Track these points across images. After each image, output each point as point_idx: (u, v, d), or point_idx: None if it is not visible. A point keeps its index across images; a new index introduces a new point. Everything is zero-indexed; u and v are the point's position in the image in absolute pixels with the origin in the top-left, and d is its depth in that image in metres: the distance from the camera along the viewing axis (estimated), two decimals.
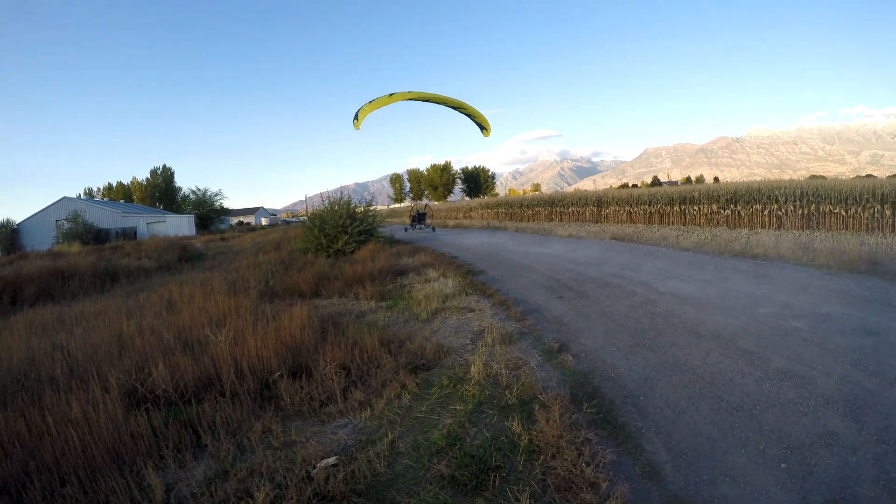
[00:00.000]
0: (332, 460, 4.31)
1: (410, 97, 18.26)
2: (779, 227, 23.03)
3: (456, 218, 54.14)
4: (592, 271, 13.03)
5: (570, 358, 6.71)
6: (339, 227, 20.93)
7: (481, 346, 7.24)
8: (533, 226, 32.81)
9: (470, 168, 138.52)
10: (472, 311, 9.50)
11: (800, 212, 22.64)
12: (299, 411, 5.47)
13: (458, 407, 5.26)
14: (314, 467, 4.23)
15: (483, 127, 20.16)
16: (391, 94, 17.58)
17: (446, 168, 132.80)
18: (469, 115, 19.87)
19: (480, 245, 22.79)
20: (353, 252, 19.66)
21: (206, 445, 4.78)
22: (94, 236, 52.60)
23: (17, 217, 59.32)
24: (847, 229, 21.04)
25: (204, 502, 3.95)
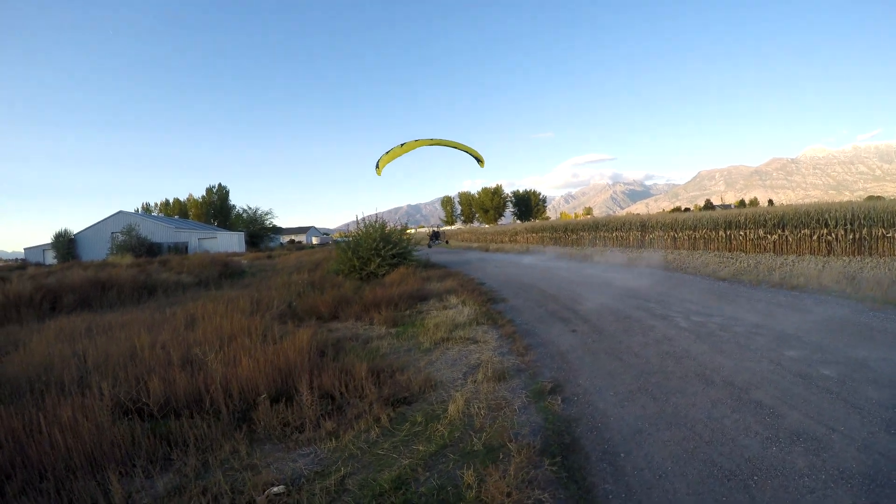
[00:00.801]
0: (279, 489, 4.30)
1: (418, 145, 19.17)
2: (828, 253, 21.56)
3: (501, 241, 53.97)
4: (615, 303, 12.19)
5: (560, 401, 6.07)
6: (371, 250, 20.89)
7: (471, 381, 6.87)
8: (574, 251, 32.03)
9: (521, 191, 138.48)
10: (476, 342, 9.12)
11: (850, 236, 21.14)
12: (271, 435, 5.42)
13: (421, 447, 4.94)
14: (263, 493, 4.24)
15: (478, 160, 21.10)
16: (402, 145, 18.78)
17: (497, 191, 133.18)
18: (465, 151, 20.92)
19: (512, 271, 22.11)
20: (384, 275, 19.49)
21: (173, 460, 4.91)
22: (147, 249, 54.89)
23: (76, 228, 61.86)
24: None
25: None
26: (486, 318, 10.98)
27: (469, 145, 20.52)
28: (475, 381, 6.83)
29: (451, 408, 5.74)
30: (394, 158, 19.03)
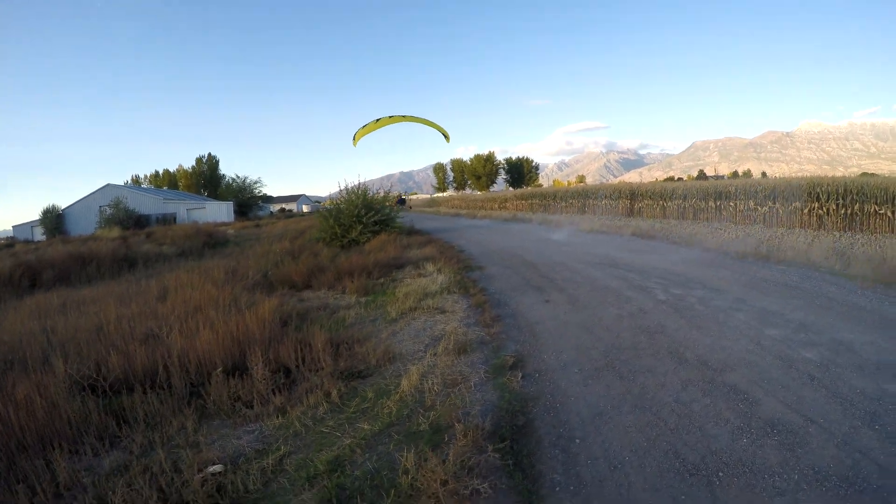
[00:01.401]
0: (217, 468, 4.19)
1: (391, 122, 20.41)
2: (819, 228, 21.04)
3: (491, 209, 53.55)
4: (596, 271, 11.75)
5: (520, 378, 5.67)
6: (353, 217, 20.70)
7: (430, 354, 6.56)
8: (560, 218, 31.36)
9: (514, 159, 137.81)
10: (444, 312, 8.80)
11: (842, 211, 20.69)
12: (221, 411, 5.27)
13: (366, 426, 4.73)
14: (200, 472, 4.11)
15: (445, 136, 22.04)
16: (377, 120, 20.13)
17: (489, 158, 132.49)
18: (433, 128, 21.88)
19: (495, 238, 21.71)
20: (366, 242, 19.23)
21: (118, 438, 4.85)
22: (136, 222, 54.83)
23: (65, 203, 61.53)
24: (893, 231, 19.17)
25: (93, 493, 3.92)
26: (459, 287, 10.64)
27: (438, 122, 21.58)
28: (435, 354, 6.51)
29: (404, 383, 5.50)
30: (369, 132, 20.33)
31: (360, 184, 22.78)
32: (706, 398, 4.92)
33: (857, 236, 17.79)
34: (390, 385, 5.67)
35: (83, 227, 58.36)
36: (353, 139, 20.60)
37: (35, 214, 62.65)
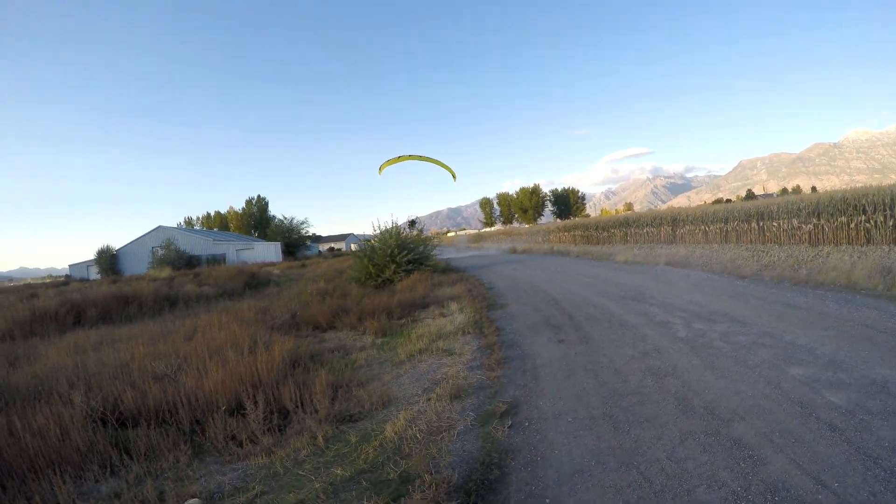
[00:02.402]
0: (195, 501, 4.38)
1: (408, 159, 22.02)
2: (867, 242, 19.98)
3: (534, 242, 53.19)
4: (617, 307, 11.18)
5: (507, 426, 5.35)
6: (387, 257, 20.84)
7: (424, 399, 6.43)
8: (599, 250, 30.66)
9: (559, 190, 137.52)
10: (451, 354, 8.61)
11: (891, 222, 19.53)
12: (214, 448, 5.51)
13: (339, 471, 4.69)
14: None
15: (452, 175, 23.51)
16: (399, 157, 21.73)
17: (535, 191, 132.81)
18: (441, 167, 23.03)
19: (527, 274, 21.16)
20: (400, 281, 19.32)
21: (118, 467, 5.14)
22: (186, 262, 56.30)
23: (120, 243, 64.03)
24: None
25: None
26: (475, 327, 10.44)
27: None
28: (429, 399, 6.36)
29: (389, 429, 5.44)
30: (389, 165, 21.93)
31: (394, 223, 22.94)
32: (704, 455, 4.33)
33: None
34: (377, 430, 5.57)
35: (136, 267, 61.18)
36: (379, 169, 22.12)
37: (91, 254, 65.33)
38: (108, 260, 63.77)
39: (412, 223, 24.21)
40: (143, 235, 65.66)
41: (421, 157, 22.32)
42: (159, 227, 66.43)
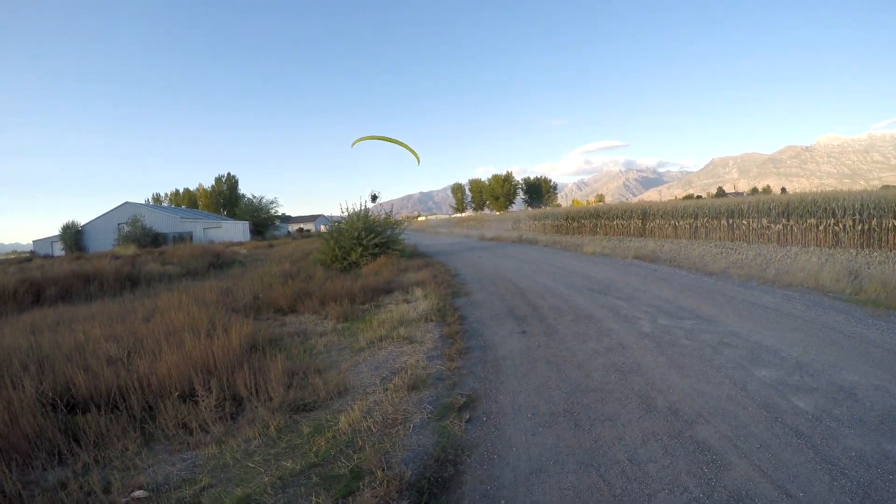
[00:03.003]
0: (141, 493, 4.28)
1: (378, 139, 23.11)
2: (835, 245, 20.33)
3: (505, 229, 53.38)
4: (583, 300, 11.04)
5: (464, 421, 5.19)
6: (353, 240, 20.60)
7: (381, 389, 6.26)
8: (568, 240, 30.50)
9: (532, 179, 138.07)
10: (412, 342, 8.45)
11: (859, 227, 19.85)
12: (165, 435, 5.36)
13: (289, 464, 4.53)
14: (127, 495, 4.25)
15: (416, 158, 23.90)
16: (371, 136, 22.90)
17: (507, 178, 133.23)
18: (407, 149, 23.55)
19: (493, 262, 21.06)
20: (366, 265, 19.15)
21: (66, 455, 5.00)
22: (152, 240, 55.46)
23: (84, 219, 62.67)
24: None
25: None
26: (438, 315, 10.28)
27: (407, 144, 23.67)
28: (386, 389, 6.17)
29: (343, 420, 5.25)
30: (361, 141, 22.81)
31: (363, 205, 22.72)
32: (667, 458, 4.16)
33: (875, 253, 17.00)
34: (331, 421, 5.41)
35: (102, 243, 59.84)
36: (352, 143, 23.12)
37: (56, 230, 63.90)
38: (73, 236, 62.32)
39: (374, 198, 24.14)
40: (110, 211, 64.14)
41: (390, 139, 22.61)
42: (126, 203, 65.12)
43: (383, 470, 4.17)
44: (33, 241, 67.78)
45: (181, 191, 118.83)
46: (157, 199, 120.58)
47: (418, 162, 23.67)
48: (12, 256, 66.04)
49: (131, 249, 41.69)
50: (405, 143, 22.84)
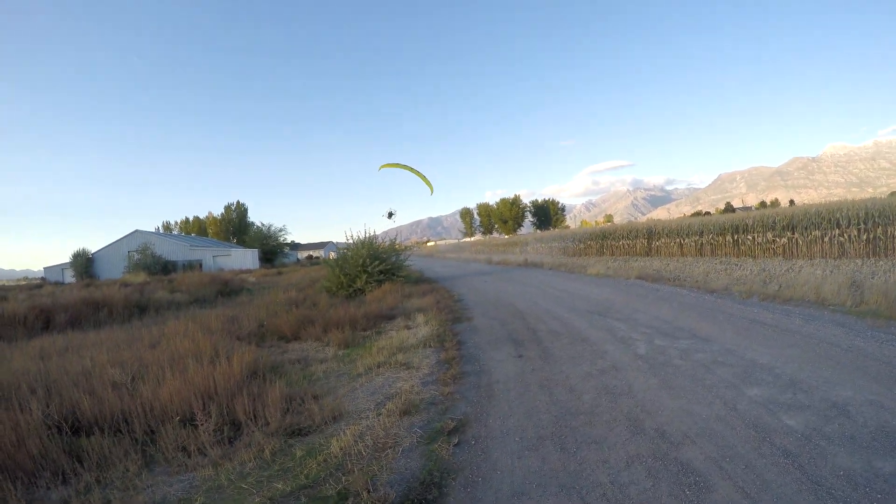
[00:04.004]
0: None
1: (398, 167, 23.29)
2: (840, 256, 20.19)
3: (513, 252, 53.38)
4: (582, 322, 11.08)
5: (453, 445, 5.21)
6: (358, 267, 20.79)
7: (375, 414, 6.27)
8: (574, 262, 30.47)
9: (540, 201, 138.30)
10: (409, 368, 8.45)
11: (864, 236, 19.73)
12: (165, 458, 5.44)
13: (281, 486, 4.60)
14: None
15: (430, 188, 23.91)
16: (397, 164, 23.10)
17: (515, 202, 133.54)
18: (424, 181, 23.46)
19: (496, 287, 21.05)
20: (371, 291, 19.26)
21: (69, 475, 5.08)
22: (162, 268, 55.68)
23: (95, 247, 63.12)
24: None
25: None
26: (437, 340, 10.29)
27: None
28: (380, 415, 6.19)
29: (335, 444, 5.29)
30: (387, 167, 23.14)
31: (367, 233, 22.97)
32: (649, 480, 4.13)
33: (881, 262, 16.86)
34: (324, 445, 5.42)
35: (112, 271, 60.24)
36: (379, 168, 23.26)
37: (67, 257, 64.47)
38: (84, 263, 62.84)
39: (390, 215, 24.40)
40: (120, 239, 64.68)
41: (411, 169, 22.98)
42: (136, 230, 65.62)
43: (369, 492, 4.22)
44: (44, 268, 68.38)
45: (191, 219, 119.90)
46: (167, 227, 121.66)
47: (431, 192, 23.81)
48: (23, 283, 66.66)
49: (141, 277, 41.87)
50: (422, 173, 23.20)
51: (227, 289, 27.63)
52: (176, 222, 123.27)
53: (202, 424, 5.86)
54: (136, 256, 57.80)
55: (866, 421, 4.89)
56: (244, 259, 68.23)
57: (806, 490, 3.81)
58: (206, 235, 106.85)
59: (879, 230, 19.32)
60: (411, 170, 22.84)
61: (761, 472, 4.13)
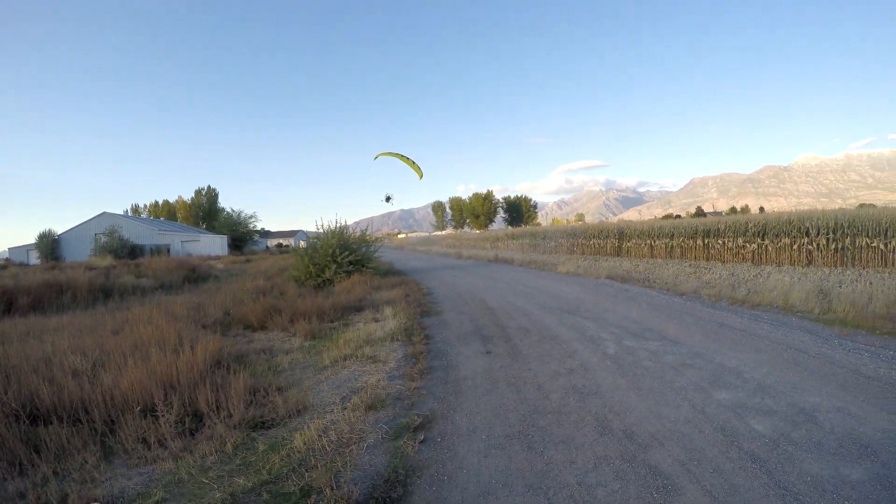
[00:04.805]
0: None
1: (401, 158, 23.60)
2: (808, 264, 20.61)
3: (483, 248, 53.40)
4: (551, 320, 11.09)
5: (418, 441, 5.12)
6: (328, 257, 20.58)
7: (340, 408, 6.15)
8: (544, 259, 30.60)
9: (512, 197, 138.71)
10: (376, 361, 8.32)
11: (833, 246, 20.16)
12: (125, 449, 5.31)
13: (242, 481, 4.49)
14: None
15: (419, 174, 24.16)
16: (393, 153, 23.62)
17: (488, 197, 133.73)
18: (415, 169, 23.81)
19: (468, 281, 21.08)
20: (340, 282, 19.11)
21: (26, 466, 4.96)
22: (129, 252, 54.70)
23: (61, 228, 61.82)
24: (886, 265, 18.57)
25: None
26: (405, 334, 10.18)
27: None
28: (344, 409, 6.09)
29: (298, 438, 5.19)
30: (383, 155, 23.61)
31: (338, 223, 22.66)
32: (616, 482, 4.07)
33: (848, 272, 17.16)
34: (287, 439, 5.33)
35: (78, 253, 59.04)
36: (375, 157, 23.87)
37: (32, 237, 63.08)
38: (49, 245, 61.44)
39: (388, 198, 24.42)
40: (87, 221, 63.42)
41: (404, 158, 23.52)
42: (104, 213, 64.42)
43: (332, 489, 4.13)
44: (8, 249, 66.77)
45: (160, 202, 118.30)
46: (135, 210, 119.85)
47: (420, 177, 24.15)
48: None
49: (107, 260, 41.10)
50: (413, 161, 23.62)
51: (195, 275, 27.31)
52: (145, 205, 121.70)
53: (163, 415, 5.75)
54: (103, 239, 56.63)
55: (833, 427, 4.90)
56: (213, 245, 67.42)
57: (774, 495, 3.79)
58: (176, 220, 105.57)
59: (848, 240, 19.72)
60: (404, 158, 23.20)
61: (729, 476, 4.10)
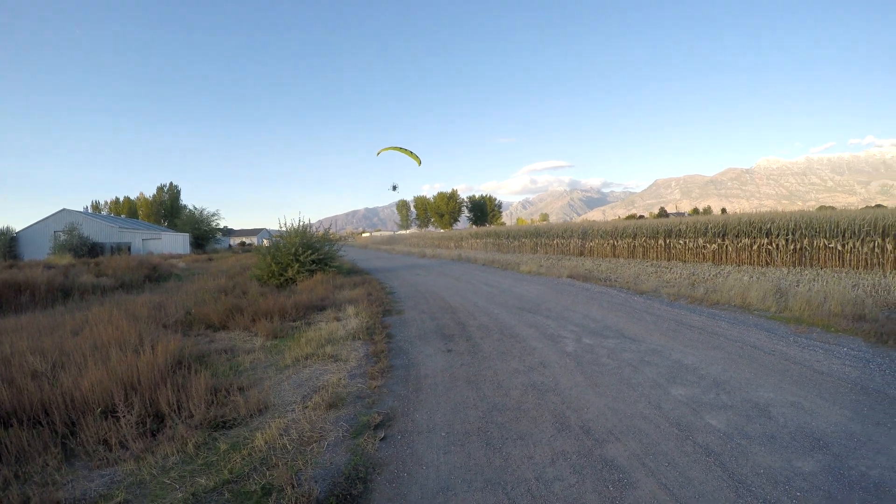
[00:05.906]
0: None
1: (402, 152, 25.27)
2: (767, 264, 21.17)
3: (446, 247, 53.48)
4: (512, 318, 11.26)
5: (379, 439, 5.16)
6: (290, 256, 20.46)
7: (301, 407, 6.16)
8: (507, 258, 30.89)
9: (477, 197, 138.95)
10: (337, 360, 8.35)
11: (791, 247, 20.74)
12: (86, 451, 5.19)
13: (204, 480, 4.49)
14: None
15: (417, 161, 25.54)
16: (395, 147, 24.97)
17: (453, 196, 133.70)
18: (414, 159, 25.00)
19: (430, 280, 21.22)
20: (303, 281, 18.92)
21: None
22: (89, 250, 53.48)
23: (19, 225, 60.08)
24: (843, 265, 19.27)
25: None
26: (367, 333, 10.21)
27: (412, 150, 26.19)
28: (306, 407, 6.11)
29: (259, 438, 5.21)
30: (385, 150, 24.83)
31: (301, 221, 22.57)
32: (574, 476, 4.14)
33: (806, 271, 17.64)
34: (248, 438, 5.33)
35: (37, 251, 57.23)
36: (378, 152, 25.57)
37: None
38: (7, 243, 59.50)
39: (394, 187, 24.56)
40: (46, 218, 61.45)
41: (404, 150, 24.83)
42: (63, 209, 62.67)
43: (293, 487, 4.14)
44: None
45: (122, 199, 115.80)
46: (96, 206, 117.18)
47: (419, 164, 25.68)
48: None
49: (67, 259, 40.08)
50: (411, 151, 25.03)
51: (156, 274, 26.79)
52: (106, 202, 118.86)
53: (124, 416, 5.68)
54: (62, 237, 55.04)
55: (786, 421, 5.05)
56: (175, 243, 66.40)
57: (727, 487, 3.89)
58: (137, 217, 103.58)
59: (806, 241, 20.27)
60: (403, 150, 24.49)
61: (684, 469, 4.19)
